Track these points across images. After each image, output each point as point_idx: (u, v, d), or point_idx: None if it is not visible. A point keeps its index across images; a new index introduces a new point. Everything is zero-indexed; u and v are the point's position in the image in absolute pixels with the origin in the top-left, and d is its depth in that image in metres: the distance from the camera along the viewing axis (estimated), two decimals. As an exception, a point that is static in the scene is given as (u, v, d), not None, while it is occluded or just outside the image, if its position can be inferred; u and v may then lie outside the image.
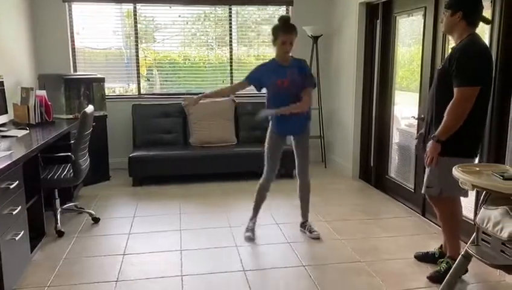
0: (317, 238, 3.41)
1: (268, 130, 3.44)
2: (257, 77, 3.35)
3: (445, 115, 2.53)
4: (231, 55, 5.70)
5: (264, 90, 3.42)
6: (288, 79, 3.22)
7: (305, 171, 3.49)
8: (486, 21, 2.70)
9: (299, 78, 3.24)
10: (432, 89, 2.77)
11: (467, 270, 2.68)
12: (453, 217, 2.77)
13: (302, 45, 5.55)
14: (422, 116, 3.82)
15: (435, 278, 2.70)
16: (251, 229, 3.48)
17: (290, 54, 3.28)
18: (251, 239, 3.41)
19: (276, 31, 3.21)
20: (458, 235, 2.79)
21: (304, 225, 3.56)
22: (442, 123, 2.55)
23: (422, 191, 2.82)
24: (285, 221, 3.81)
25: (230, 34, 5.69)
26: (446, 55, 2.76)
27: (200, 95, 3.42)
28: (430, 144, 2.65)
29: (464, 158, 2.54)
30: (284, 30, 3.17)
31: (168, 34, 5.72)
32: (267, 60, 3.44)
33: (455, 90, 2.50)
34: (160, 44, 5.74)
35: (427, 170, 2.75)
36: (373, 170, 4.87)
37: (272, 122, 3.42)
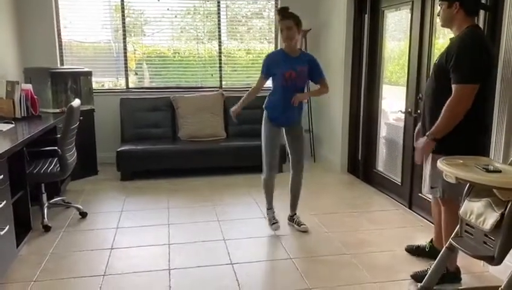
0: (306, 231, 3.43)
1: (264, 124, 3.39)
2: (268, 68, 3.30)
3: (442, 112, 2.41)
4: (220, 49, 5.68)
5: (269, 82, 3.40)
6: (297, 72, 3.23)
7: (301, 163, 3.50)
8: (487, 9, 2.64)
9: (306, 72, 3.28)
10: (427, 85, 2.67)
11: (460, 279, 2.67)
12: (455, 218, 2.55)
13: (291, 39, 5.58)
14: (410, 110, 3.87)
15: (419, 278, 2.60)
16: (273, 218, 3.50)
17: (299, 47, 3.30)
18: (279, 227, 3.43)
19: (279, 22, 3.23)
20: None
21: (292, 218, 3.57)
22: (438, 121, 2.44)
23: (425, 192, 2.72)
24: (273, 215, 3.82)
25: (219, 28, 5.67)
26: (442, 49, 2.60)
27: (239, 104, 3.43)
28: (422, 140, 2.55)
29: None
30: (280, 17, 3.20)
31: (158, 28, 5.69)
32: (276, 50, 3.39)
33: (453, 87, 2.37)
34: (149, 38, 5.70)
35: (427, 170, 2.65)
36: (361, 163, 4.91)
37: (270, 114, 3.36)
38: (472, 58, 2.35)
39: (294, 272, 2.82)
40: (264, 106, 3.42)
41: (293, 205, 3.59)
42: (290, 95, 3.24)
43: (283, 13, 3.20)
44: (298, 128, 3.47)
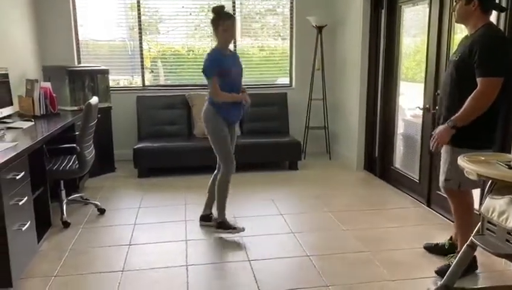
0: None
1: (217, 122, 3.27)
2: (218, 67, 3.21)
3: (466, 102, 2.44)
4: (235, 46, 5.68)
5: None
6: (238, 69, 3.33)
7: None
8: (500, 9, 2.65)
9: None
10: (445, 80, 2.67)
11: (476, 267, 2.67)
12: (468, 211, 2.69)
13: (307, 36, 5.56)
14: (427, 106, 3.82)
15: (443, 273, 2.56)
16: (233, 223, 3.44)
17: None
18: (242, 229, 3.36)
19: (215, 20, 3.19)
20: (472, 230, 2.71)
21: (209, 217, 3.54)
22: (462, 110, 2.46)
23: (440, 185, 2.74)
24: (289, 212, 3.82)
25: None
26: (458, 45, 2.66)
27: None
28: (441, 127, 2.57)
29: (482, 150, 2.43)
30: (225, 17, 3.19)
31: (172, 26, 5.71)
32: (214, 49, 3.29)
33: (479, 80, 2.41)
34: (164, 35, 5.73)
35: (443, 163, 2.67)
36: (378, 160, 4.86)
37: (225, 112, 3.27)
38: (496, 52, 2.40)
39: (312, 269, 2.81)
40: (212, 104, 3.29)
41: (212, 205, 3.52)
42: (234, 90, 3.28)
43: (227, 13, 3.24)
44: (235, 127, 3.50)
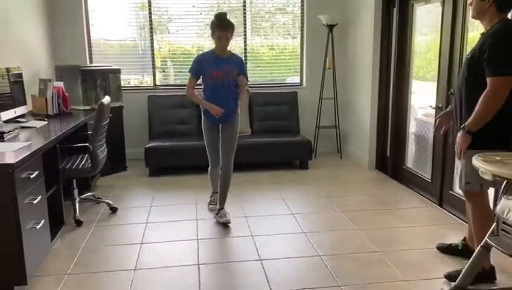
0: (226, 223, 3.50)
1: (203, 121, 3.59)
2: (198, 68, 3.46)
3: (477, 105, 2.37)
4: (245, 45, 5.68)
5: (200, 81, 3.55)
6: (224, 71, 3.40)
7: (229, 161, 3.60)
8: None
9: (235, 72, 3.45)
10: (459, 80, 2.61)
11: (495, 278, 2.61)
12: (488, 213, 2.57)
13: (317, 34, 5.54)
14: (440, 105, 3.78)
15: (453, 278, 2.52)
16: (215, 201, 3.76)
17: (229, 49, 3.49)
18: (214, 210, 3.67)
19: (213, 26, 3.38)
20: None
21: (218, 212, 3.63)
22: (473, 114, 2.39)
23: (460, 188, 2.67)
24: (300, 211, 3.81)
25: (245, 24, 5.66)
26: (474, 43, 2.56)
27: (203, 104, 3.52)
28: (459, 135, 2.51)
29: (501, 151, 2.35)
30: (219, 27, 3.35)
31: (182, 25, 5.72)
32: (206, 50, 3.61)
33: (488, 80, 2.33)
34: (173, 35, 5.74)
35: (460, 165, 2.59)
36: (389, 160, 4.83)
37: (206, 113, 3.52)
38: (506, 50, 2.32)
39: (323, 268, 2.81)
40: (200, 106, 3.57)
41: (221, 200, 3.67)
42: (218, 93, 3.43)
43: (224, 24, 3.36)
44: (232, 125, 3.55)
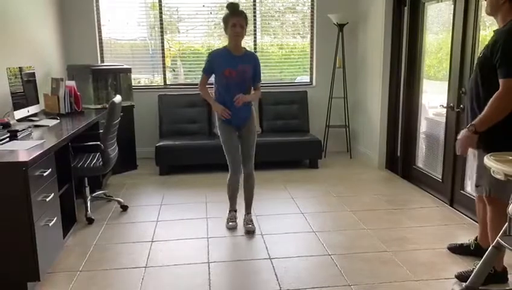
0: (251, 231, 3.36)
1: (219, 125, 3.38)
2: (210, 66, 3.29)
3: (487, 105, 2.32)
4: (255, 44, 5.69)
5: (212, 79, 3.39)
6: (237, 70, 3.22)
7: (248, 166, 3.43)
8: None
9: (249, 71, 3.26)
10: (471, 80, 2.56)
11: (507, 279, 2.57)
12: (503, 218, 2.42)
13: (327, 33, 5.53)
14: (451, 104, 3.75)
15: (463, 279, 2.49)
16: (234, 218, 3.51)
17: (243, 46, 3.29)
18: (234, 227, 3.44)
19: (226, 17, 3.20)
20: None
21: (244, 217, 3.51)
22: (482, 114, 2.35)
23: (471, 190, 2.66)
24: (310, 210, 3.81)
25: (254, 23, 5.66)
26: (486, 42, 2.51)
27: (212, 103, 3.38)
28: (464, 132, 2.47)
29: None
30: (234, 13, 3.16)
31: (192, 25, 5.74)
32: (220, 48, 3.39)
33: (500, 81, 2.27)
34: (183, 34, 5.77)
35: (474, 167, 2.56)
36: (400, 159, 4.81)
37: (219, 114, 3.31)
38: None
39: (333, 268, 2.80)
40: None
41: (247, 205, 3.55)
42: (230, 93, 3.23)
43: (236, 9, 3.17)
44: (249, 128, 3.38)
